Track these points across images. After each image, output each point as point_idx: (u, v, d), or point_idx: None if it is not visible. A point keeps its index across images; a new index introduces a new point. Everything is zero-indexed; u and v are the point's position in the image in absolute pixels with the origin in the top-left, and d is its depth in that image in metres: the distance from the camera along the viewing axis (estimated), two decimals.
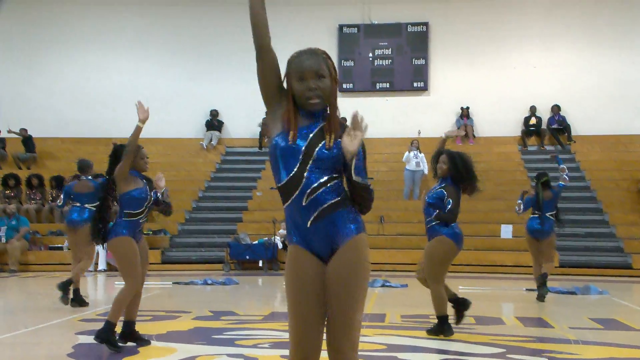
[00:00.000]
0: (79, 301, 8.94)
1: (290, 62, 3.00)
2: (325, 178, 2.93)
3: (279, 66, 3.05)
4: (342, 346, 2.90)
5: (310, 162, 2.91)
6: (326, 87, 2.95)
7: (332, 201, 2.93)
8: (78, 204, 9.24)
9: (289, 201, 2.95)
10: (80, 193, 9.27)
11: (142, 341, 6.18)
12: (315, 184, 2.91)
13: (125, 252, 6.01)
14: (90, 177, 9.36)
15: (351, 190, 2.97)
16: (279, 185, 2.97)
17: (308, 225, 2.94)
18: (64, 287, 8.75)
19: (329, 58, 3.03)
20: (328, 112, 3.00)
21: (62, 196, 9.80)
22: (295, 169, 2.92)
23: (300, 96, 2.94)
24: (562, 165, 10.50)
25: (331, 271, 2.92)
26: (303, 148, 2.92)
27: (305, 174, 2.91)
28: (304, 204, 2.92)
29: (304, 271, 2.94)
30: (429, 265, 6.74)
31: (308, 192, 2.91)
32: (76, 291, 8.96)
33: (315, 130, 2.95)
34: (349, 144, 2.83)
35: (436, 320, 6.80)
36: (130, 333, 6.18)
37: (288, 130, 2.94)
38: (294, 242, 2.98)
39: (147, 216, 6.31)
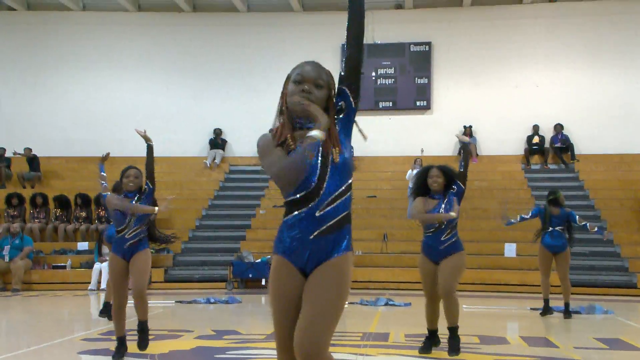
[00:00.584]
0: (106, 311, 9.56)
1: (293, 69, 3.03)
2: (343, 187, 2.97)
3: None
4: (303, 335, 2.84)
5: (329, 172, 2.93)
6: (320, 97, 2.97)
7: (342, 215, 2.97)
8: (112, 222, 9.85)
9: (299, 211, 2.94)
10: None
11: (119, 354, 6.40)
12: (334, 194, 2.94)
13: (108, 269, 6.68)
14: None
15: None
16: (295, 197, 2.95)
17: (311, 237, 2.94)
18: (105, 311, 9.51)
19: (332, 77, 3.09)
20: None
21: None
22: (315, 181, 2.92)
23: (291, 95, 2.96)
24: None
25: (315, 277, 2.93)
26: (318, 160, 2.93)
27: (325, 184, 2.92)
28: (317, 214, 2.92)
29: (289, 286, 2.96)
30: (456, 279, 6.59)
31: (326, 203, 2.93)
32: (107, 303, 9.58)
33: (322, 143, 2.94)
34: None
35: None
36: (120, 345, 6.48)
37: (286, 146, 2.95)
38: (281, 253, 3.00)
39: (134, 231, 6.40)
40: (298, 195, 2.94)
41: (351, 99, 3.07)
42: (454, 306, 6.54)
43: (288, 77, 3.03)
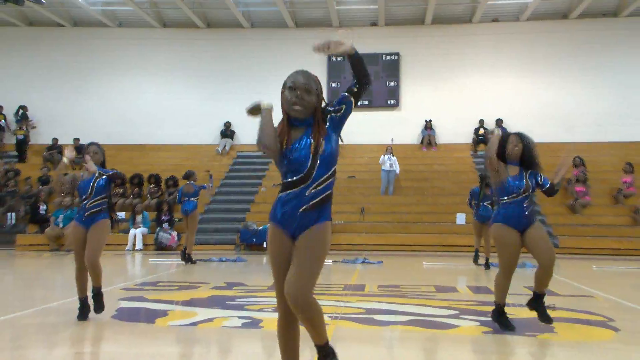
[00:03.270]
0: (189, 260, 11.49)
1: (287, 78, 3.02)
2: (328, 174, 2.98)
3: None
4: (291, 284, 2.87)
5: (318, 161, 2.95)
6: (310, 101, 2.97)
7: (326, 194, 2.98)
8: (186, 199, 11.37)
9: (292, 190, 2.96)
10: (187, 192, 11.37)
11: (84, 316, 5.63)
12: (321, 179, 2.95)
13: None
14: (192, 182, 11.46)
15: (352, 67, 3.09)
16: (290, 180, 2.96)
17: (299, 211, 2.96)
18: (184, 256, 11.52)
19: (319, 83, 3.05)
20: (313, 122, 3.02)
21: (177, 195, 11.82)
22: (306, 169, 2.95)
23: (287, 101, 2.98)
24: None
25: (302, 239, 2.97)
26: (310, 153, 2.95)
27: (314, 171, 2.95)
28: (306, 194, 2.95)
29: (283, 249, 2.99)
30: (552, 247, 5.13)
31: (314, 186, 2.95)
32: (188, 254, 11.52)
33: (312, 137, 2.97)
34: (339, 49, 2.97)
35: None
36: (81, 307, 5.67)
37: (286, 141, 2.97)
38: (276, 222, 3.01)
39: (95, 202, 5.67)
40: (295, 178, 2.96)
41: (352, 108, 3.09)
42: (551, 275, 5.16)
43: (284, 85, 3.01)
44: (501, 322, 5.20)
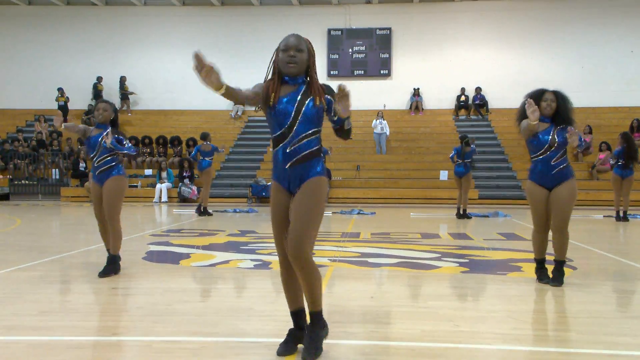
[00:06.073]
0: (206, 213, 11.23)
1: (280, 42, 2.87)
2: (309, 131, 2.78)
3: (259, 92, 2.85)
4: (290, 243, 2.71)
5: (299, 118, 2.75)
6: (303, 59, 2.78)
7: (308, 151, 2.78)
8: (202, 157, 11.10)
9: (278, 147, 2.81)
10: (204, 151, 11.12)
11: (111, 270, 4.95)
12: (301, 135, 2.76)
13: None
14: (209, 142, 11.18)
15: (339, 131, 2.82)
16: (274, 135, 2.79)
17: (286, 167, 2.80)
18: (199, 210, 11.23)
19: (310, 44, 2.85)
20: (308, 80, 2.83)
21: (194, 151, 11.39)
22: (288, 123, 2.76)
23: (282, 61, 2.80)
24: (472, 146, 11.20)
25: (296, 196, 2.79)
26: (294, 109, 2.76)
27: (294, 127, 2.76)
28: (287, 150, 2.78)
29: (279, 201, 2.84)
30: (569, 213, 4.47)
31: (294, 142, 2.76)
32: (203, 207, 11.24)
33: (301, 94, 2.78)
34: (342, 111, 2.69)
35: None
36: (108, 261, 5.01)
37: (274, 96, 2.76)
38: (274, 179, 2.87)
39: (102, 159, 4.98)
40: (278, 132, 2.78)
41: (331, 108, 2.81)
42: (565, 240, 4.54)
43: (278, 48, 2.83)
44: (537, 274, 4.73)
